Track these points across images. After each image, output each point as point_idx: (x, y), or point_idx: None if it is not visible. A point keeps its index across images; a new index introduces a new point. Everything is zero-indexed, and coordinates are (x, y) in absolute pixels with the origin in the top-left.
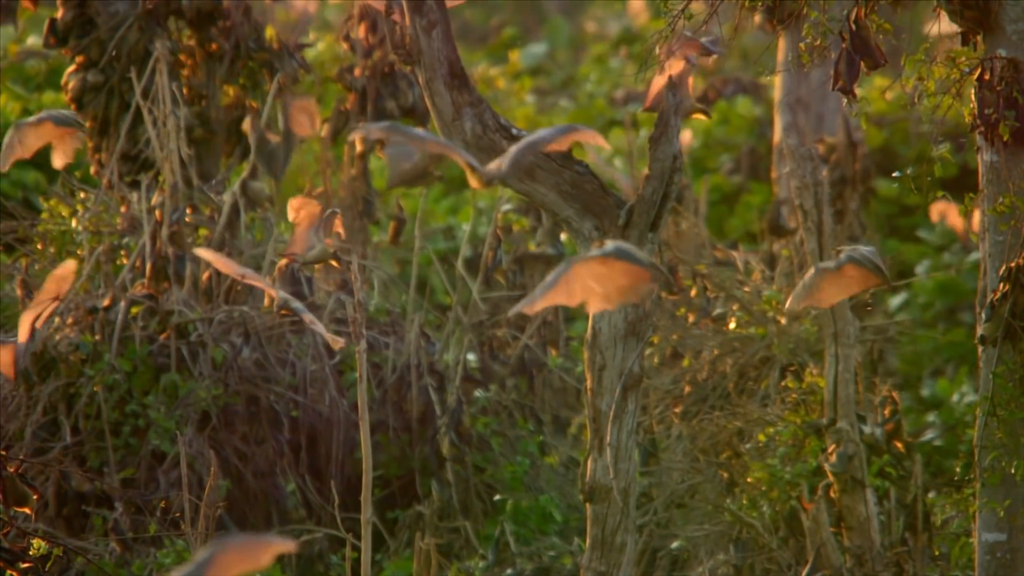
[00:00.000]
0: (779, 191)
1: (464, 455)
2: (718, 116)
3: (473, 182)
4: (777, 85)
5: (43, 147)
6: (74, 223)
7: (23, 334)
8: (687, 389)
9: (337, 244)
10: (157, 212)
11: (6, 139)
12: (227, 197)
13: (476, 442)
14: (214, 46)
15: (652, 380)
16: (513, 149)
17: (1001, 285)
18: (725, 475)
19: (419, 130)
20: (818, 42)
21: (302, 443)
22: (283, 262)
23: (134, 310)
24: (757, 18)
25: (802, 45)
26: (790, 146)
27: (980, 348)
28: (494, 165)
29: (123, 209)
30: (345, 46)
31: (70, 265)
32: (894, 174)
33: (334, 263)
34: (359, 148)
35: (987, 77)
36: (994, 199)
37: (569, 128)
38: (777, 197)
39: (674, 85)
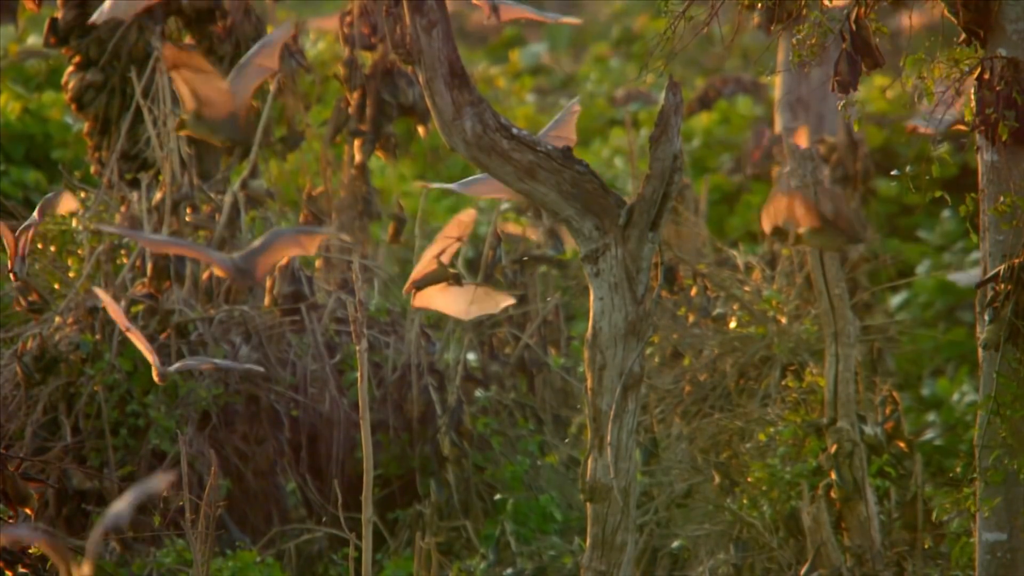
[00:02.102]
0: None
1: (464, 455)
2: (719, 115)
3: (218, 271)
4: (777, 85)
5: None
6: (74, 222)
7: (421, 269)
8: (687, 389)
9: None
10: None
11: None
12: (227, 197)
13: (476, 442)
14: (213, 47)
15: (653, 380)
16: (253, 246)
17: (1003, 285)
18: (717, 476)
19: (158, 236)
20: (813, 40)
21: (302, 442)
22: (283, 262)
23: (134, 309)
24: (756, 18)
25: (794, 41)
26: (790, 146)
27: (981, 349)
28: (237, 256)
29: (123, 208)
30: (345, 31)
31: (471, 212)
32: (892, 172)
33: (455, 284)
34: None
35: (987, 77)
36: (994, 199)
37: (303, 230)
38: None
39: (675, 85)
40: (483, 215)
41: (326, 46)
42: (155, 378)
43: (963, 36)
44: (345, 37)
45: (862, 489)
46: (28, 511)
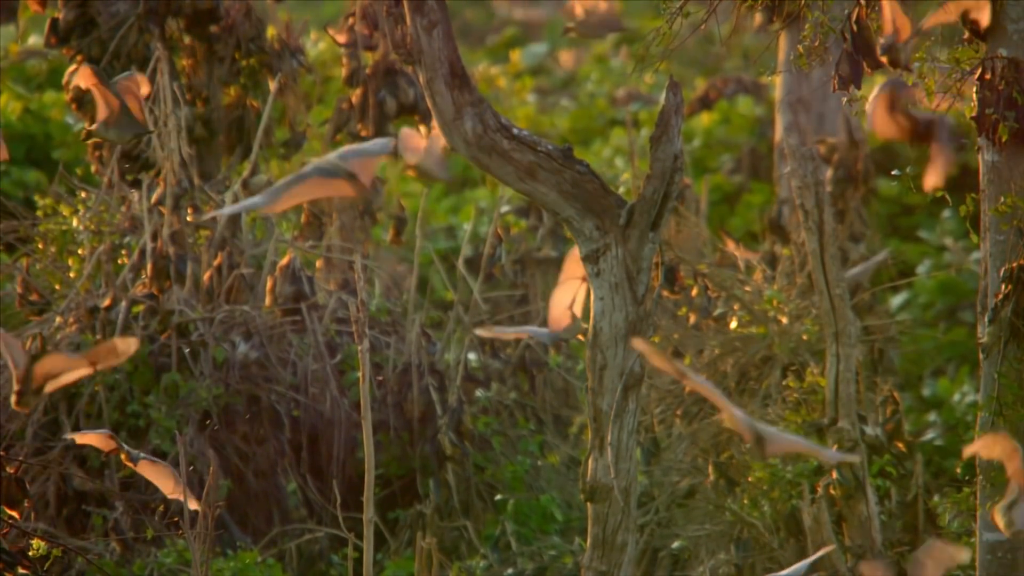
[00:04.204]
0: (780, 191)
1: (465, 455)
2: (719, 116)
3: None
4: (778, 85)
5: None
6: (75, 222)
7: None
8: (688, 389)
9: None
10: (161, 207)
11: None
12: (228, 197)
13: (477, 442)
14: (213, 47)
15: (653, 380)
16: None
17: (1003, 286)
18: (713, 474)
19: None
20: (817, 43)
21: (303, 443)
22: (284, 262)
23: (135, 310)
24: (758, 18)
25: (800, 48)
26: (791, 146)
27: (981, 351)
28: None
29: (124, 208)
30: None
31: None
32: (893, 172)
33: (580, 336)
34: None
35: (988, 77)
36: (995, 199)
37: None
38: (778, 197)
39: (675, 85)
40: (484, 214)
41: (327, 46)
42: (125, 460)
43: (965, 35)
44: (346, 34)
45: (863, 489)
46: (16, 515)
